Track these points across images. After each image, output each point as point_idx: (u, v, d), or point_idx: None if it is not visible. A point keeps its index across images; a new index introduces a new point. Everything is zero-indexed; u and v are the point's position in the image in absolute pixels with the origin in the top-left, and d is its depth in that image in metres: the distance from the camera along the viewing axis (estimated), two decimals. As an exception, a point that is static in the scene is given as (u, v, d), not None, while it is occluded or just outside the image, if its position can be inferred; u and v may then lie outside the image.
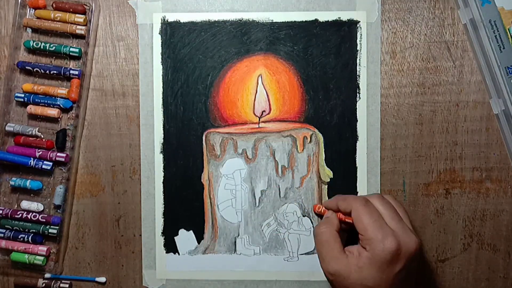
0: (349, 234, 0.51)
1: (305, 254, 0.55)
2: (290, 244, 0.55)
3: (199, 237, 0.55)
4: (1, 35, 0.56)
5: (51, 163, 0.54)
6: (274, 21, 0.55)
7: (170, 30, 0.55)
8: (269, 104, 0.55)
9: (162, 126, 0.55)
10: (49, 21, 0.54)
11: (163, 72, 0.55)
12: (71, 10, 0.54)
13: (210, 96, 0.55)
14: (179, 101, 0.55)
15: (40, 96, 0.54)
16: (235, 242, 0.55)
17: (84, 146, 0.56)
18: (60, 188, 0.55)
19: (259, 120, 0.55)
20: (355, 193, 0.54)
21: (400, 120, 0.55)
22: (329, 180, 0.55)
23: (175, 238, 0.55)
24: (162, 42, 0.55)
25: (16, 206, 0.56)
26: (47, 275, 0.55)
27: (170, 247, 0.55)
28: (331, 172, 0.55)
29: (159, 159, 0.55)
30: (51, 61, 0.55)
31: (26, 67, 0.54)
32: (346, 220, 0.50)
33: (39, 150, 0.54)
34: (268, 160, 0.55)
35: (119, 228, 0.56)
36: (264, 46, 0.55)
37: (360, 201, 0.48)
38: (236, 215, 0.55)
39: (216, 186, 0.55)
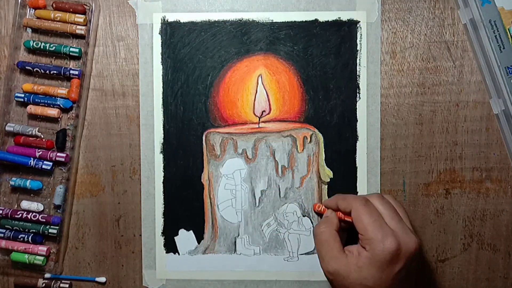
0: (349, 234, 0.51)
1: (305, 254, 0.55)
2: (290, 244, 0.55)
3: (199, 237, 0.55)
4: (1, 35, 0.56)
5: (51, 163, 0.54)
6: (274, 21, 0.55)
7: (170, 30, 0.55)
8: (269, 104, 0.55)
9: (162, 126, 0.55)
10: (49, 21, 0.54)
11: (163, 72, 0.55)
12: (71, 10, 0.54)
13: (210, 96, 0.55)
14: (179, 101, 0.55)
15: (40, 96, 0.54)
16: (235, 242, 0.55)
17: (84, 146, 0.56)
18: (60, 188, 0.55)
19: (259, 120, 0.55)
20: (355, 193, 0.54)
21: (400, 120, 0.55)
22: (329, 180, 0.55)
23: (175, 238, 0.55)
24: (162, 42, 0.55)
25: (16, 206, 0.56)
26: (47, 275, 0.55)
27: (170, 247, 0.55)
28: (331, 172, 0.55)
29: (159, 159, 0.55)
30: (51, 61, 0.55)
31: (26, 67, 0.54)
32: (346, 219, 0.50)
33: (39, 150, 0.54)
34: (268, 160, 0.55)
35: (119, 228, 0.56)
36: (264, 46, 0.55)
37: (360, 201, 0.48)
38: (236, 215, 0.55)
39: (216, 186, 0.55)
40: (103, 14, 0.55)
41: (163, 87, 0.55)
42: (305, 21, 0.54)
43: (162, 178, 0.55)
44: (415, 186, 0.55)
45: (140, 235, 0.55)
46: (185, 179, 0.55)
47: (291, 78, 0.55)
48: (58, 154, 0.54)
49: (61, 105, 0.54)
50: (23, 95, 0.54)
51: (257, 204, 0.55)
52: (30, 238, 0.55)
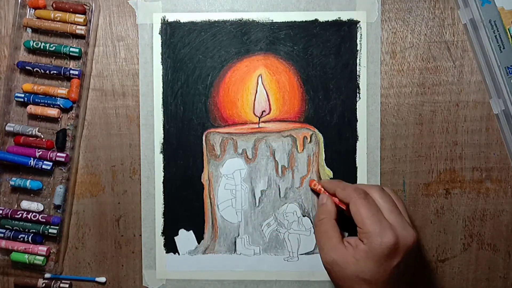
0: (350, 222, 0.50)
1: (305, 254, 0.55)
2: (290, 244, 0.55)
3: (199, 237, 0.55)
4: (1, 35, 0.56)
5: (51, 163, 0.54)
6: (274, 21, 0.55)
7: (170, 30, 0.55)
8: (269, 104, 0.55)
9: (162, 126, 0.55)
10: (49, 21, 0.54)
11: (163, 72, 0.55)
12: (71, 10, 0.54)
13: (210, 96, 0.55)
14: (179, 101, 0.55)
15: (40, 96, 0.54)
16: (235, 242, 0.55)
17: (84, 146, 0.56)
18: (60, 188, 0.55)
19: (259, 120, 0.55)
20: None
21: (400, 120, 0.55)
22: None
23: (175, 238, 0.55)
24: (162, 42, 0.55)
25: (16, 206, 0.56)
26: (47, 275, 0.55)
27: (170, 247, 0.55)
28: (331, 172, 0.55)
29: (159, 159, 0.55)
30: (51, 61, 0.55)
31: (26, 67, 0.54)
32: (341, 206, 0.50)
33: (39, 150, 0.54)
34: (268, 160, 0.55)
35: (119, 228, 0.56)
36: (264, 46, 0.55)
37: (359, 194, 0.47)
38: (236, 215, 0.55)
39: (216, 186, 0.55)
40: (103, 14, 0.55)
41: (163, 87, 0.55)
42: (305, 21, 0.54)
43: (162, 178, 0.55)
44: (415, 186, 0.55)
45: (140, 235, 0.55)
46: (185, 179, 0.55)
47: (291, 78, 0.55)
48: (58, 154, 0.54)
49: (61, 105, 0.54)
50: (23, 95, 0.54)
51: (257, 204, 0.55)
52: (30, 238, 0.55)
